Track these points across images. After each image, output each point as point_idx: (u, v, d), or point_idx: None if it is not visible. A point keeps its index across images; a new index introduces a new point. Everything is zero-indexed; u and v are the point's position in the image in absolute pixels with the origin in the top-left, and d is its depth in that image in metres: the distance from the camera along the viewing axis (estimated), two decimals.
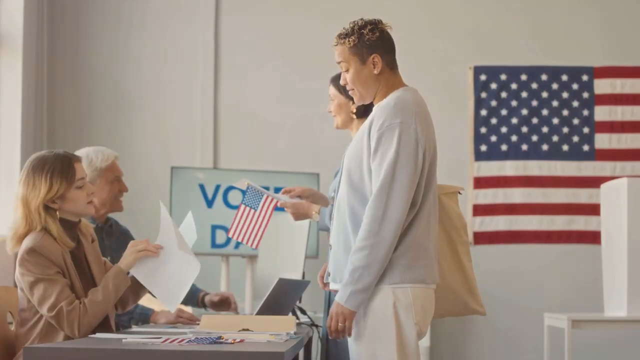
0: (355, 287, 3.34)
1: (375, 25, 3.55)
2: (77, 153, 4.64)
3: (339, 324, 3.37)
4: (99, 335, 3.39)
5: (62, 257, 3.55)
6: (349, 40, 3.52)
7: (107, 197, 4.71)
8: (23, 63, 6.61)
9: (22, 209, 3.61)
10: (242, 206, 4.09)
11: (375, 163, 3.41)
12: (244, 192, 4.15)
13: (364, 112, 4.16)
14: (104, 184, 4.70)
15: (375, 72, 3.53)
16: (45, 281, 3.48)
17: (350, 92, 3.63)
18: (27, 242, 3.54)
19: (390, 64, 3.57)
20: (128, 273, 3.69)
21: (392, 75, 3.58)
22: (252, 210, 4.09)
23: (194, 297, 4.99)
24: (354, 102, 4.08)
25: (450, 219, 3.84)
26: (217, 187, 6.68)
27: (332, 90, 4.32)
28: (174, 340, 3.05)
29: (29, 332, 3.55)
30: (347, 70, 3.57)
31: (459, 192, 3.94)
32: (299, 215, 4.18)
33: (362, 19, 3.57)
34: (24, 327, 3.57)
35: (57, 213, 3.61)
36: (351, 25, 3.56)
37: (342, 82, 3.62)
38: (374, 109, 3.57)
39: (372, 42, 3.52)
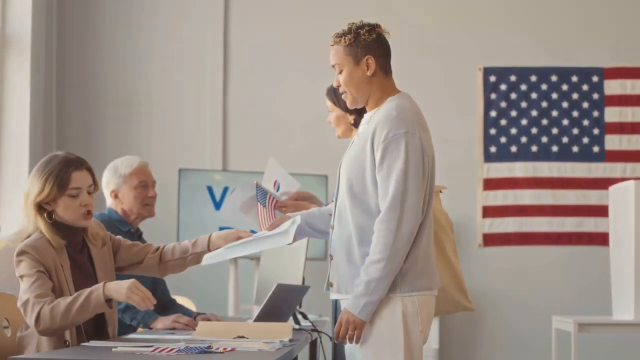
0: (370, 299, 3.34)
1: (373, 28, 3.54)
2: (111, 163, 4.76)
3: (349, 332, 3.37)
4: (92, 343, 3.39)
5: (52, 259, 3.54)
6: (345, 39, 3.51)
7: (133, 203, 4.71)
8: (31, 64, 6.64)
9: (23, 203, 3.63)
10: (258, 204, 4.13)
11: (382, 174, 3.38)
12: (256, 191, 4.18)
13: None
14: (129, 190, 4.71)
15: (368, 73, 3.51)
16: (26, 277, 3.48)
17: (342, 96, 3.61)
18: (20, 245, 3.55)
19: (384, 68, 3.55)
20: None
21: (386, 80, 3.55)
22: (262, 207, 4.13)
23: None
24: (350, 114, 4.15)
25: (436, 219, 3.84)
26: (226, 189, 6.67)
27: (328, 102, 4.34)
28: (163, 350, 3.04)
29: (30, 335, 3.55)
30: (340, 72, 3.56)
31: (440, 191, 3.93)
32: None
33: (361, 21, 3.57)
34: (28, 330, 3.55)
35: (54, 216, 3.60)
36: (349, 25, 3.55)
37: (335, 84, 3.60)
38: (366, 115, 3.55)
39: (367, 43, 3.50)
